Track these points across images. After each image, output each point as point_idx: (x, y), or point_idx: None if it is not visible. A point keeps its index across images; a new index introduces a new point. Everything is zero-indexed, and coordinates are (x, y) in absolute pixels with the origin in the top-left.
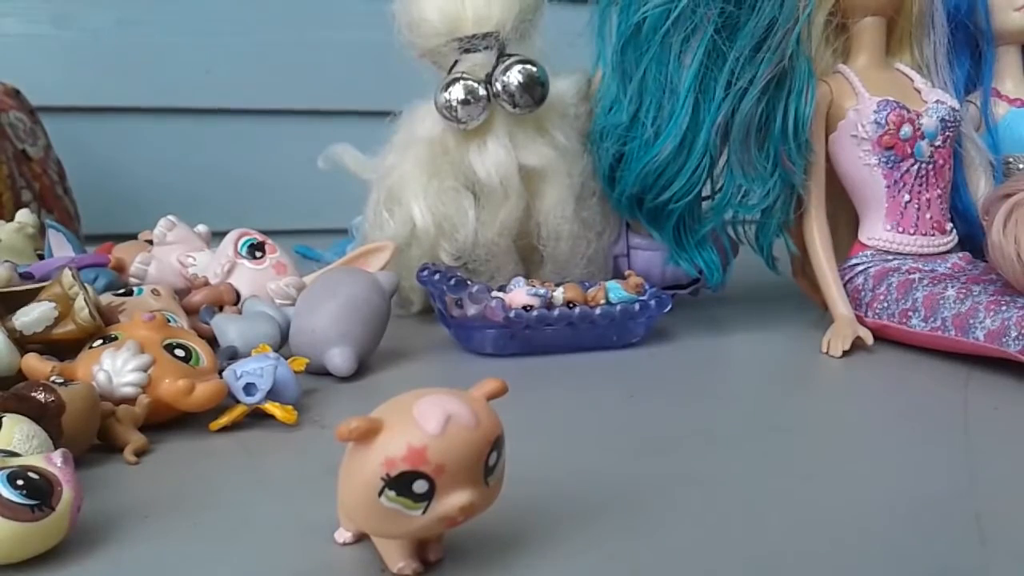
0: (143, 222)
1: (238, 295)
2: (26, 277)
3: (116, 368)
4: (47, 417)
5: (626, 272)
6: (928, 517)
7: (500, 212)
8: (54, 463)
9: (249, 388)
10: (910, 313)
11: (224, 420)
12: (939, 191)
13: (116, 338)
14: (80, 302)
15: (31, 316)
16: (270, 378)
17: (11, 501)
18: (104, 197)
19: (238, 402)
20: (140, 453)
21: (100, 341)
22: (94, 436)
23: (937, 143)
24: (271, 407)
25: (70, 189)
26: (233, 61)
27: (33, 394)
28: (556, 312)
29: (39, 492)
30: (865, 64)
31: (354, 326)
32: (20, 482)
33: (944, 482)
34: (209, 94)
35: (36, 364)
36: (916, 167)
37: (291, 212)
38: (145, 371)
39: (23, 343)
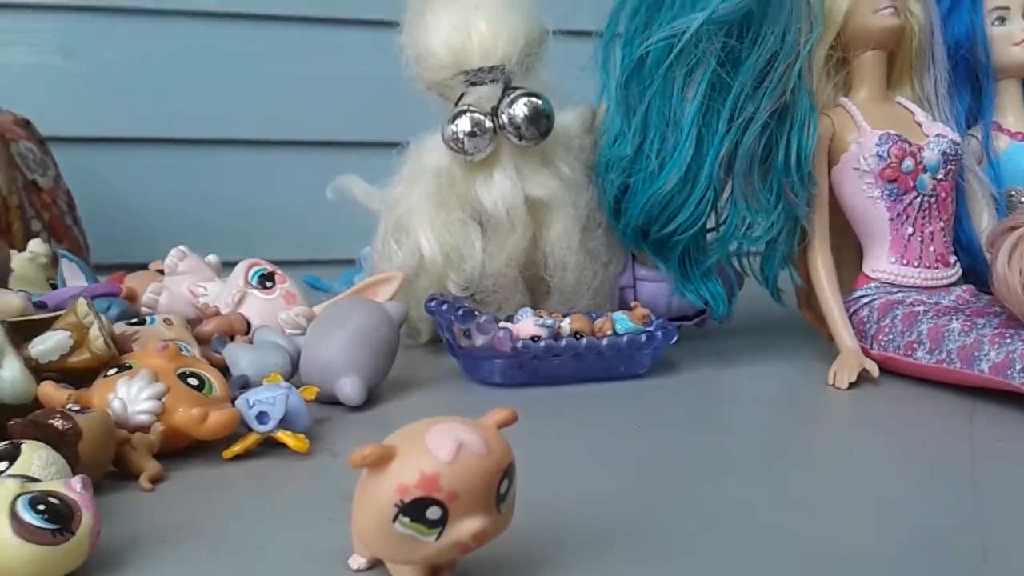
0: (150, 252)
1: (249, 325)
2: (39, 306)
3: (131, 396)
4: (64, 444)
5: (632, 303)
6: (933, 549)
7: (507, 243)
8: (74, 489)
9: (262, 416)
10: (915, 345)
11: (237, 448)
12: (942, 224)
13: (130, 367)
14: (95, 331)
15: (47, 344)
16: (282, 407)
17: (33, 525)
18: (111, 227)
19: (250, 430)
20: (155, 480)
21: (115, 370)
22: (109, 463)
23: (939, 176)
24: (283, 436)
25: (79, 219)
26: (240, 92)
27: (51, 421)
28: (563, 343)
29: (60, 517)
30: (866, 97)
31: (364, 356)
32: (41, 507)
33: (949, 514)
34: (216, 125)
35: (52, 392)
36: (919, 200)
37: (297, 242)
38: (159, 399)
39: (38, 371)
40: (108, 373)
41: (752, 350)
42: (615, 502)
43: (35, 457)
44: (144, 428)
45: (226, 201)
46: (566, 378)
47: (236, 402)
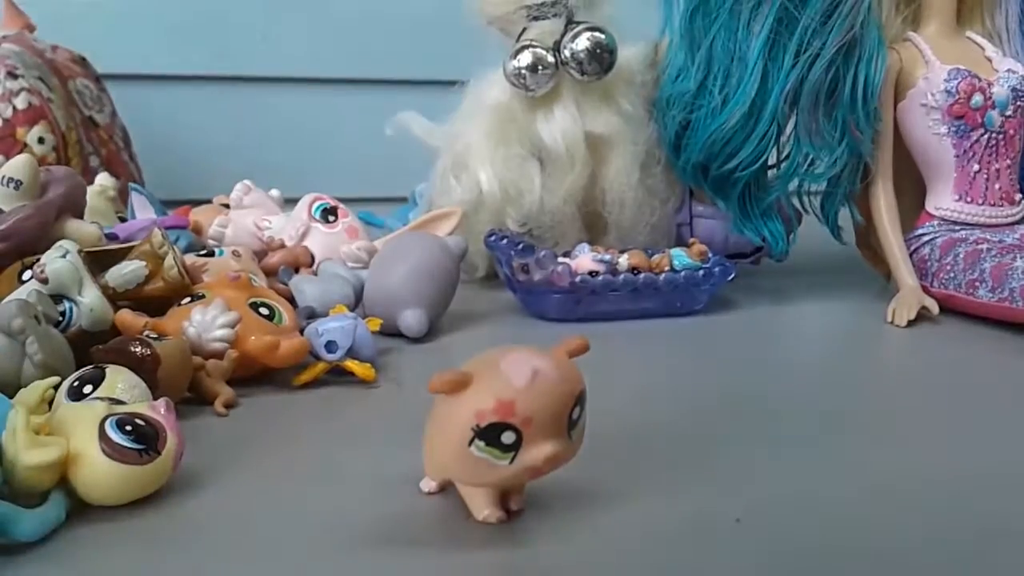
0: (202, 188)
1: (313, 257)
2: (111, 238)
3: (205, 324)
4: (143, 370)
5: (690, 240)
6: (993, 485)
7: (566, 179)
8: (158, 411)
9: (330, 346)
10: (977, 283)
11: (307, 376)
12: (1009, 161)
13: (203, 296)
14: (170, 261)
15: (123, 273)
16: (350, 336)
17: (121, 445)
18: (164, 163)
19: (319, 359)
20: (229, 405)
21: (188, 299)
22: (186, 388)
23: (1008, 113)
24: (351, 364)
25: (135, 155)
26: (296, 30)
27: (131, 347)
28: (621, 278)
29: (146, 438)
30: (935, 32)
31: (426, 289)
32: (129, 428)
33: (1010, 451)
34: (268, 63)
35: (130, 319)
36: (986, 137)
37: (348, 181)
38: (232, 328)
39: (114, 300)
40: (182, 302)
41: (809, 288)
42: (675, 432)
43: (119, 380)
44: (218, 355)
45: (276, 139)
46: (623, 314)
47: (306, 331)
